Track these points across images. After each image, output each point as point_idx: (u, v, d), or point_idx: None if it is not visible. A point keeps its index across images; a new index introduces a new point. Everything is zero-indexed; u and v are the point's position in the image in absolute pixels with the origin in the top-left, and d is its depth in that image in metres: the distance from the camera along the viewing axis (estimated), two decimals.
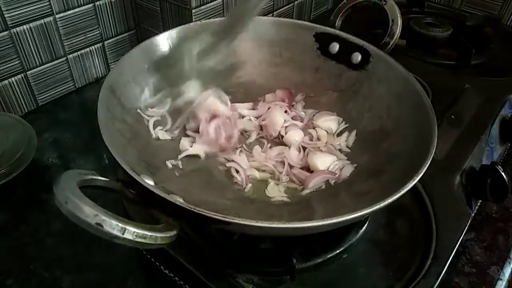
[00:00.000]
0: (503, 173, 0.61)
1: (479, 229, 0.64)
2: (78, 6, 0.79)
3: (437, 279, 0.50)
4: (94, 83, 0.89)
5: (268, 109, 0.67)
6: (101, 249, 0.58)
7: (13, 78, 0.76)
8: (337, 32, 0.67)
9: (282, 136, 0.64)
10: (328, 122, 0.65)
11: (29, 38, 0.74)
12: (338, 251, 0.52)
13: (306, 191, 0.57)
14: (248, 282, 0.49)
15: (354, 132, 0.63)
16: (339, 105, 0.67)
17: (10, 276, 0.55)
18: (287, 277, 0.49)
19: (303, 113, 0.68)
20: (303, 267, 0.50)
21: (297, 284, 0.49)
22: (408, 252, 0.54)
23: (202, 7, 0.79)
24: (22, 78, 0.77)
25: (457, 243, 0.54)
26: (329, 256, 0.52)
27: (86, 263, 0.57)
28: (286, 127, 0.65)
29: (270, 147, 0.63)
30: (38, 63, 0.78)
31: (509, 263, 0.60)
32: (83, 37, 0.83)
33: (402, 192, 0.42)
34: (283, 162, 0.60)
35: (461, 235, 0.56)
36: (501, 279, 0.57)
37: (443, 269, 0.51)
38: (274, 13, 1.00)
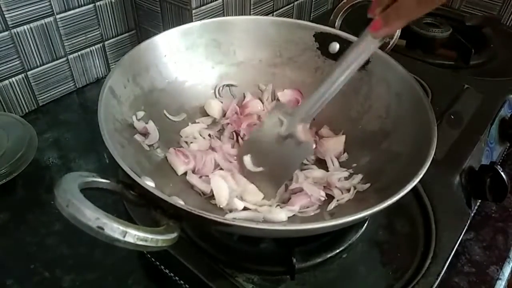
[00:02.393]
0: (502, 173, 0.61)
1: (479, 229, 0.64)
2: (79, 7, 0.79)
3: (437, 279, 0.50)
4: (94, 83, 0.89)
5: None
6: (102, 249, 0.58)
7: (13, 78, 0.76)
8: (337, 32, 0.67)
9: None
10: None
11: (29, 38, 0.74)
12: (337, 251, 0.52)
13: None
14: (248, 282, 0.49)
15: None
16: (338, 105, 0.67)
17: (11, 275, 0.55)
18: (287, 277, 0.50)
19: None
20: (303, 267, 0.50)
21: (297, 283, 0.49)
22: (407, 251, 0.54)
23: (202, 7, 0.80)
24: (22, 78, 0.77)
25: (456, 242, 0.55)
26: (329, 255, 0.52)
27: (87, 262, 0.57)
28: None
29: None
30: (38, 63, 0.78)
31: (509, 262, 0.60)
32: (84, 38, 0.83)
33: (402, 194, 0.42)
34: None
35: (461, 235, 0.56)
36: (500, 279, 0.58)
37: (442, 268, 0.51)
38: (274, 13, 1.00)
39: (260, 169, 0.57)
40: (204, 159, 0.58)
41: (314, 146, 0.55)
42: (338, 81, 0.51)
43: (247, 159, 0.58)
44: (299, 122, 0.55)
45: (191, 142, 0.62)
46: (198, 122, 0.66)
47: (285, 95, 0.69)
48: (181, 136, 0.63)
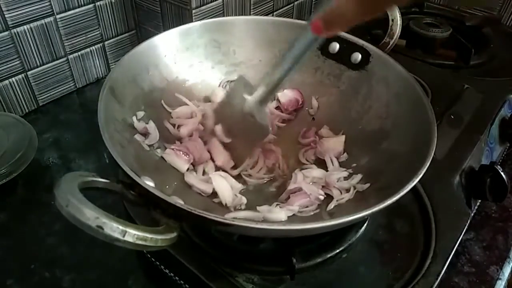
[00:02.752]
0: (502, 173, 0.61)
1: (479, 229, 0.64)
2: (79, 7, 0.79)
3: (437, 279, 0.50)
4: (94, 84, 0.90)
5: None
6: (101, 249, 0.58)
7: (13, 78, 0.76)
8: None
9: None
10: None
11: (29, 38, 0.74)
12: (337, 251, 0.52)
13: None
14: (248, 282, 0.49)
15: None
16: (338, 105, 0.67)
17: (11, 276, 0.55)
18: (287, 277, 0.49)
19: None
20: (303, 267, 0.50)
21: (297, 283, 0.49)
22: (407, 251, 0.54)
23: (202, 7, 0.80)
24: (22, 78, 0.77)
25: (456, 242, 0.54)
26: (328, 255, 0.52)
27: (86, 262, 0.57)
28: None
29: None
30: (38, 63, 0.78)
31: (509, 262, 0.60)
32: (84, 38, 0.83)
33: (402, 193, 0.42)
34: None
35: (461, 235, 0.56)
36: (500, 279, 0.58)
37: (442, 268, 0.51)
38: (274, 13, 1.00)
39: (229, 140, 0.60)
40: (198, 148, 0.59)
41: (271, 129, 0.58)
42: (292, 69, 0.52)
43: (218, 128, 0.60)
44: (258, 104, 0.56)
45: (180, 126, 0.62)
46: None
47: (285, 95, 0.69)
48: (172, 117, 0.63)
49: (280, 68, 0.52)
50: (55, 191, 0.36)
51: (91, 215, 0.34)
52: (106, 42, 0.87)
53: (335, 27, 0.45)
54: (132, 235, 0.35)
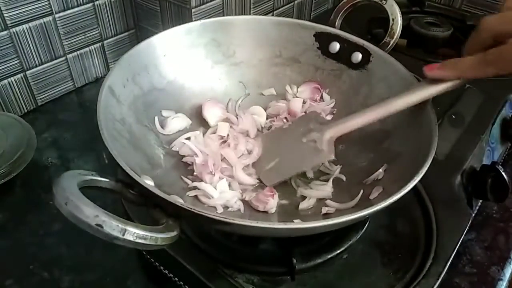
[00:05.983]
0: (503, 173, 0.60)
1: (480, 229, 0.64)
2: (78, 6, 0.78)
3: (438, 280, 0.50)
4: (93, 83, 0.89)
5: None
6: (101, 250, 0.58)
7: (12, 78, 0.76)
8: (337, 31, 0.67)
9: None
10: None
11: (28, 38, 0.74)
12: (338, 252, 0.52)
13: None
14: (248, 283, 0.49)
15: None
16: (339, 104, 0.66)
17: (10, 276, 0.55)
18: (287, 278, 0.49)
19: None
20: (303, 268, 0.50)
21: (297, 284, 0.49)
22: (408, 252, 0.54)
23: (202, 6, 0.79)
24: (21, 78, 0.77)
25: (457, 243, 0.54)
26: (329, 256, 0.51)
27: (86, 263, 0.57)
28: None
29: None
30: (37, 63, 0.78)
31: (510, 263, 0.60)
32: (83, 37, 0.82)
33: (403, 193, 0.42)
34: None
35: (462, 235, 0.56)
36: (501, 279, 0.57)
37: (443, 269, 0.51)
38: (274, 12, 1.00)
39: (272, 164, 0.59)
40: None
41: (332, 157, 0.57)
42: (379, 116, 0.54)
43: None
44: (328, 134, 0.56)
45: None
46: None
47: (304, 91, 0.68)
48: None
49: (372, 112, 0.54)
50: (54, 189, 0.35)
51: (90, 213, 0.34)
52: (105, 42, 0.87)
53: (449, 69, 0.50)
54: (132, 233, 0.35)
